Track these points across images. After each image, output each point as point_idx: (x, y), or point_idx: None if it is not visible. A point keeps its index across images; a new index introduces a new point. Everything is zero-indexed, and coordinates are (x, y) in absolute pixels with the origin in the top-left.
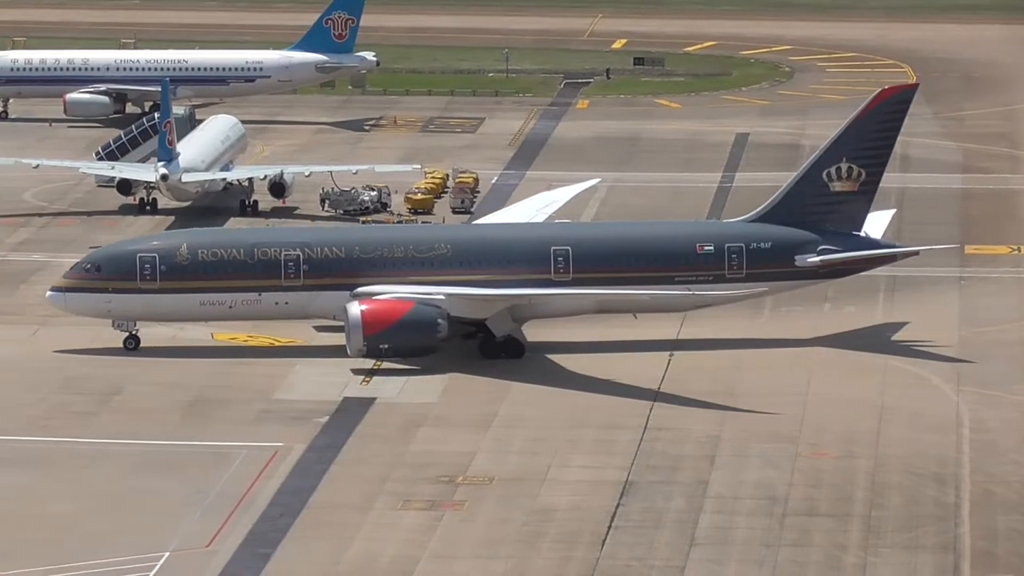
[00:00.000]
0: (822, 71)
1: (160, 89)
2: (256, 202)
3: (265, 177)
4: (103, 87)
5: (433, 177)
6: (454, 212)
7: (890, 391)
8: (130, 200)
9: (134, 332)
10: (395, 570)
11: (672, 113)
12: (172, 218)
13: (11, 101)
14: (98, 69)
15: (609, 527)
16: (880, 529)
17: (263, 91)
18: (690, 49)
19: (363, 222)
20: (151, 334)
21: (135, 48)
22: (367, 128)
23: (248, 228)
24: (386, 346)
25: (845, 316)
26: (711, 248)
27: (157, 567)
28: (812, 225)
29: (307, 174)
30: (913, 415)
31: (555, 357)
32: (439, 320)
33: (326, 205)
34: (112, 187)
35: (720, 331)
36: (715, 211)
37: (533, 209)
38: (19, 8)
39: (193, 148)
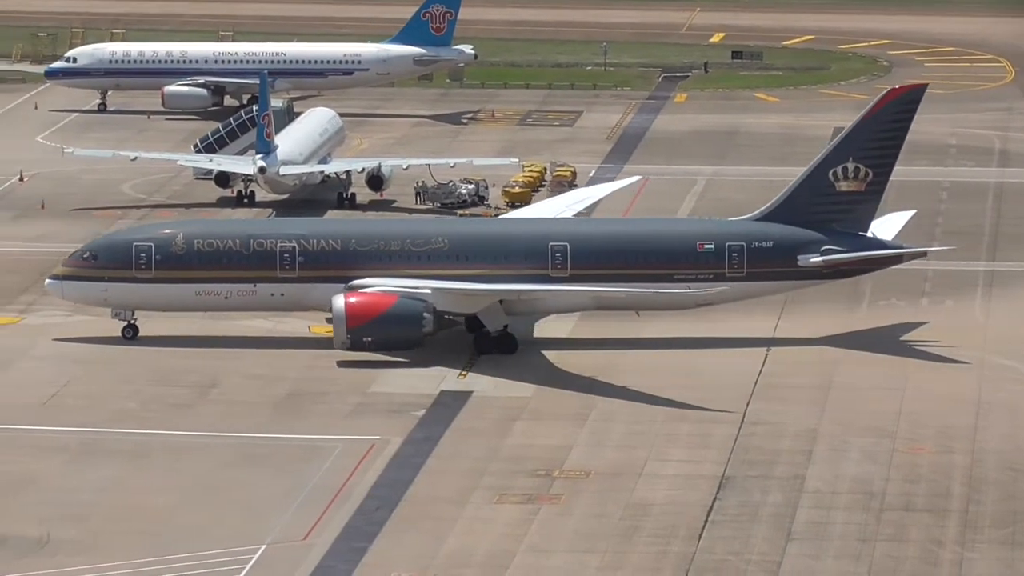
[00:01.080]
0: (920, 66)
1: (258, 82)
2: (354, 195)
3: (363, 170)
4: (201, 80)
5: (531, 170)
6: None
7: (987, 387)
8: (228, 193)
9: (132, 321)
10: (491, 564)
11: (770, 107)
12: (270, 211)
13: (109, 93)
14: (196, 62)
15: (705, 522)
16: (977, 525)
17: (361, 84)
18: (788, 43)
19: (460, 215)
20: (249, 325)
21: (233, 40)
22: (465, 121)
23: (247, 219)
24: (369, 339)
25: (943, 310)
26: (711, 246)
27: (253, 560)
28: (817, 225)
29: (405, 167)
30: (1010, 411)
31: (648, 352)
32: (424, 314)
33: (422, 198)
34: (210, 180)
35: (818, 325)
36: None
37: (563, 205)
38: (118, 0)
39: (291, 141)
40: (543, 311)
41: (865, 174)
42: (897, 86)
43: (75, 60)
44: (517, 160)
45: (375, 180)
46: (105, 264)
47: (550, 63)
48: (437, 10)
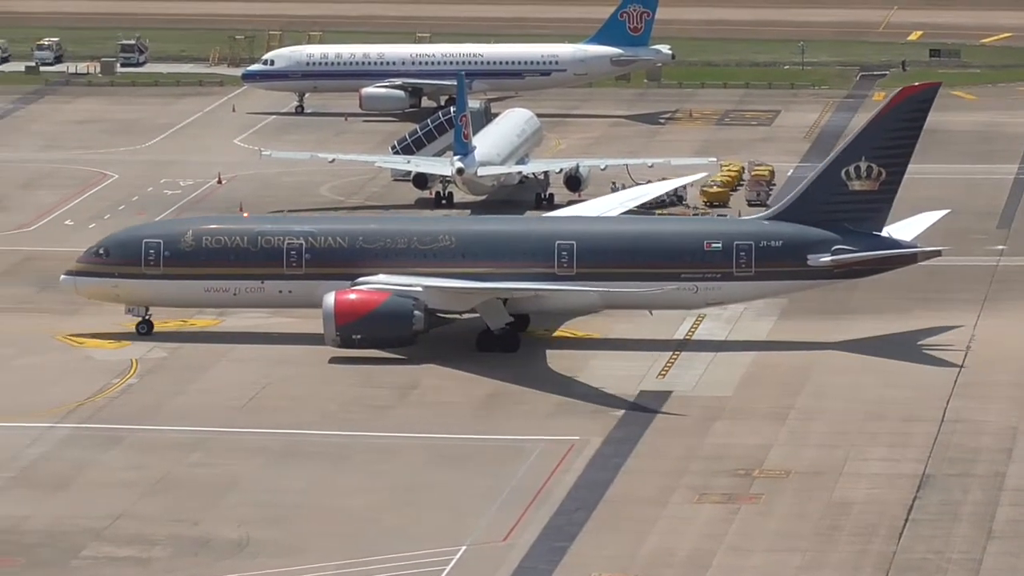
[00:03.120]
0: None
1: (456, 83)
2: (552, 195)
3: (561, 171)
4: (399, 81)
5: (729, 170)
6: (749, 205)
7: None
8: (426, 194)
9: (147, 317)
10: (691, 564)
11: (968, 105)
12: (467, 212)
13: (307, 96)
14: (394, 63)
15: (906, 520)
16: None
17: (558, 84)
18: (986, 41)
19: (657, 215)
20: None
21: (430, 42)
22: (662, 121)
23: (257, 216)
24: (359, 336)
25: None
26: (719, 245)
27: (454, 561)
28: (830, 224)
29: (603, 167)
30: None
31: (847, 352)
32: (414, 312)
33: None
34: (408, 181)
35: (1020, 322)
36: (1011, 203)
37: (617, 201)
38: (316, 2)
39: (489, 142)
40: (549, 310)
41: (878, 173)
42: (910, 85)
43: (273, 63)
44: (715, 159)
45: (573, 180)
46: (116, 260)
47: (747, 62)
48: (634, 10)
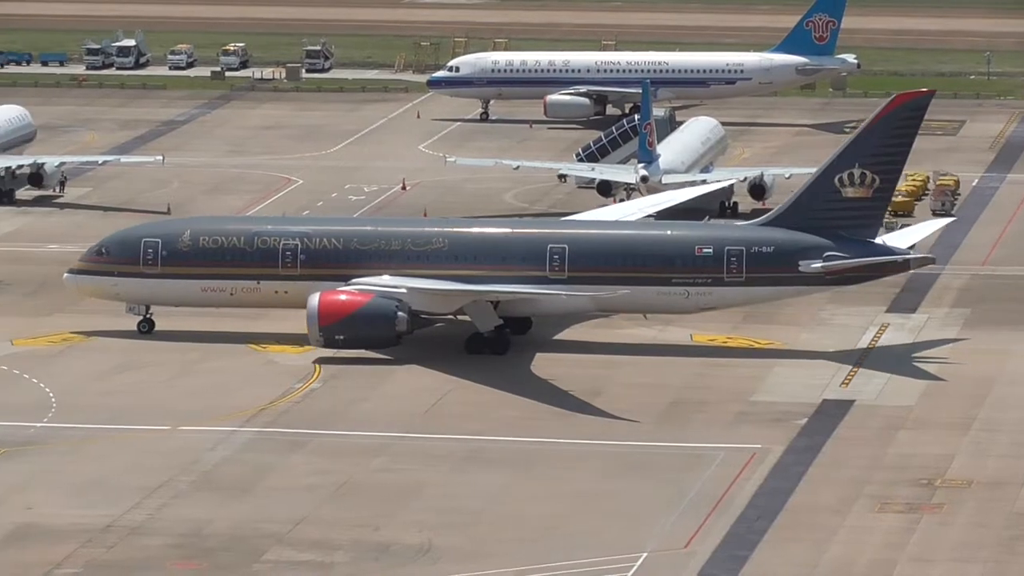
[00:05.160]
0: None
1: (641, 91)
2: (736, 204)
3: (745, 179)
4: (584, 89)
5: (914, 180)
6: (935, 214)
7: None
8: (610, 201)
9: (148, 316)
10: (872, 573)
11: None
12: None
13: (492, 103)
14: (579, 71)
15: None
16: None
17: (743, 93)
18: None
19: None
20: (632, 333)
21: (616, 50)
22: (847, 130)
23: (255, 217)
24: (341, 337)
25: None
26: (710, 251)
27: (635, 568)
28: (823, 231)
29: (787, 176)
30: None
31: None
32: (398, 313)
33: None
34: (592, 188)
35: None
36: None
37: (636, 208)
38: (502, 9)
39: (673, 150)
40: (543, 312)
41: (872, 180)
42: (903, 92)
43: (458, 69)
44: None
45: (757, 189)
46: (115, 259)
47: (932, 72)
48: (820, 19)
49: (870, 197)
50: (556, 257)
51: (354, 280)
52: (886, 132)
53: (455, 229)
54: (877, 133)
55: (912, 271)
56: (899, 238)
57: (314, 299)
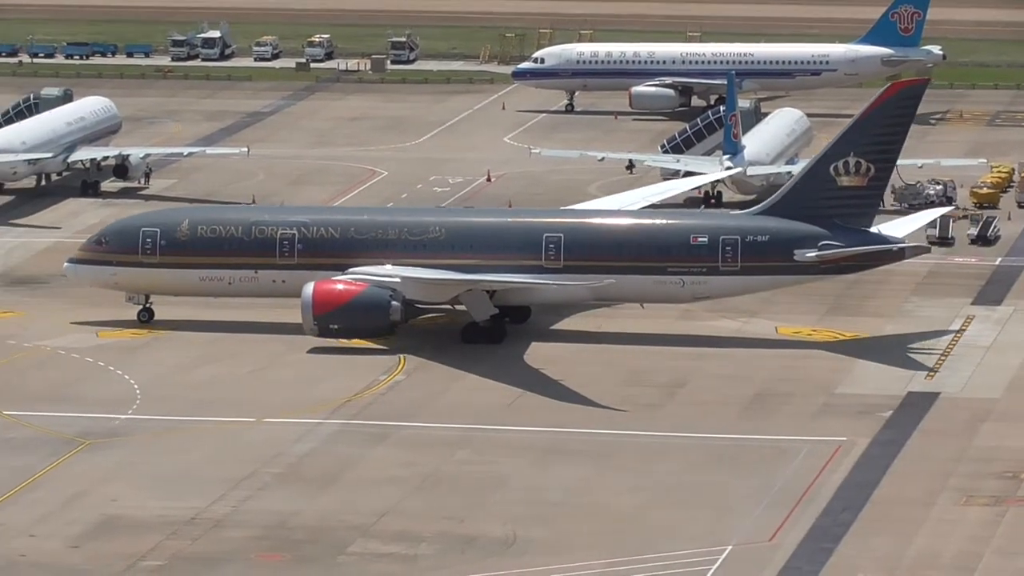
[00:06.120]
0: None
1: (726, 82)
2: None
3: None
4: (669, 80)
5: (999, 171)
6: (1020, 206)
7: None
8: (694, 193)
9: (147, 305)
10: (958, 566)
11: None
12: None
13: (577, 94)
14: (664, 62)
15: None
16: None
17: (828, 84)
18: None
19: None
20: (716, 326)
21: (701, 41)
22: (932, 122)
23: (253, 206)
24: (336, 326)
25: None
26: (705, 240)
27: (719, 561)
28: (818, 220)
29: None
30: None
31: None
32: (391, 303)
33: (891, 199)
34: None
35: None
36: None
37: (639, 197)
38: (587, 1)
39: (758, 141)
40: (538, 301)
41: (867, 169)
42: (898, 81)
43: (543, 61)
44: (985, 161)
45: None
46: (114, 249)
47: (1019, 63)
48: (905, 10)
49: (865, 186)
50: (552, 246)
51: (351, 269)
52: (881, 121)
53: (452, 219)
54: (873, 122)
55: (907, 259)
56: (896, 228)
57: (308, 288)
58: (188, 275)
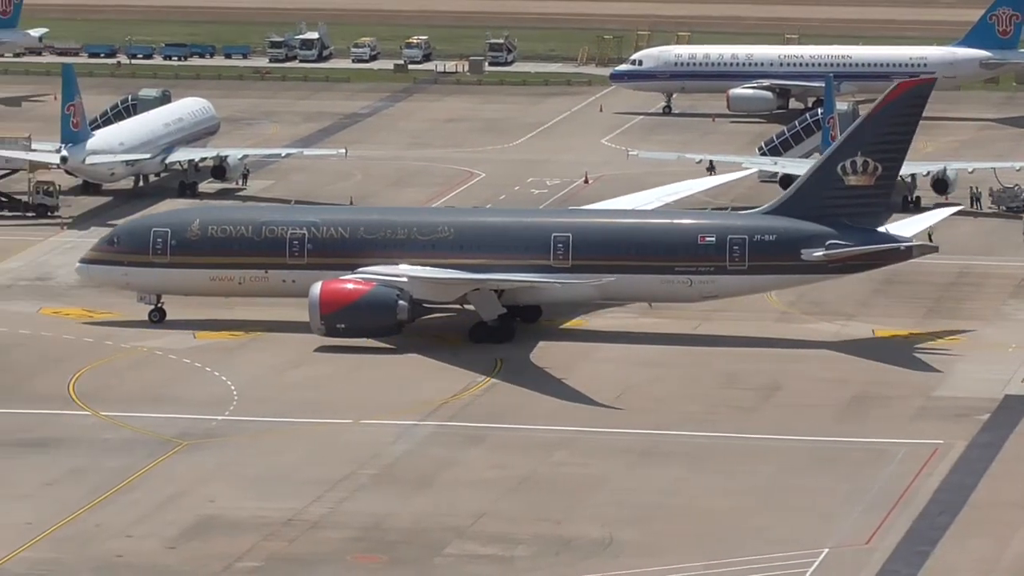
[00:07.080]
0: None
1: (824, 85)
2: (919, 198)
3: (928, 173)
4: (767, 82)
5: None
6: None
7: None
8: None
9: (159, 305)
10: None
11: None
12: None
13: (674, 96)
14: (762, 64)
15: None
16: None
17: None
18: None
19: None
20: (814, 329)
21: (799, 43)
22: None
23: (263, 205)
24: (343, 325)
25: None
26: (712, 239)
27: (816, 563)
28: (826, 219)
29: (970, 171)
30: None
31: None
32: (399, 302)
33: (989, 201)
34: (775, 182)
35: None
36: None
37: (653, 197)
38: (684, 3)
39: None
40: (545, 301)
41: (874, 168)
42: (905, 80)
43: (641, 63)
44: None
45: (940, 183)
46: (125, 249)
47: None
48: (1004, 13)
49: (873, 185)
50: (560, 246)
51: (360, 269)
52: (889, 120)
53: (460, 218)
54: (880, 121)
55: (915, 259)
56: (904, 227)
57: (316, 288)
58: (198, 275)
